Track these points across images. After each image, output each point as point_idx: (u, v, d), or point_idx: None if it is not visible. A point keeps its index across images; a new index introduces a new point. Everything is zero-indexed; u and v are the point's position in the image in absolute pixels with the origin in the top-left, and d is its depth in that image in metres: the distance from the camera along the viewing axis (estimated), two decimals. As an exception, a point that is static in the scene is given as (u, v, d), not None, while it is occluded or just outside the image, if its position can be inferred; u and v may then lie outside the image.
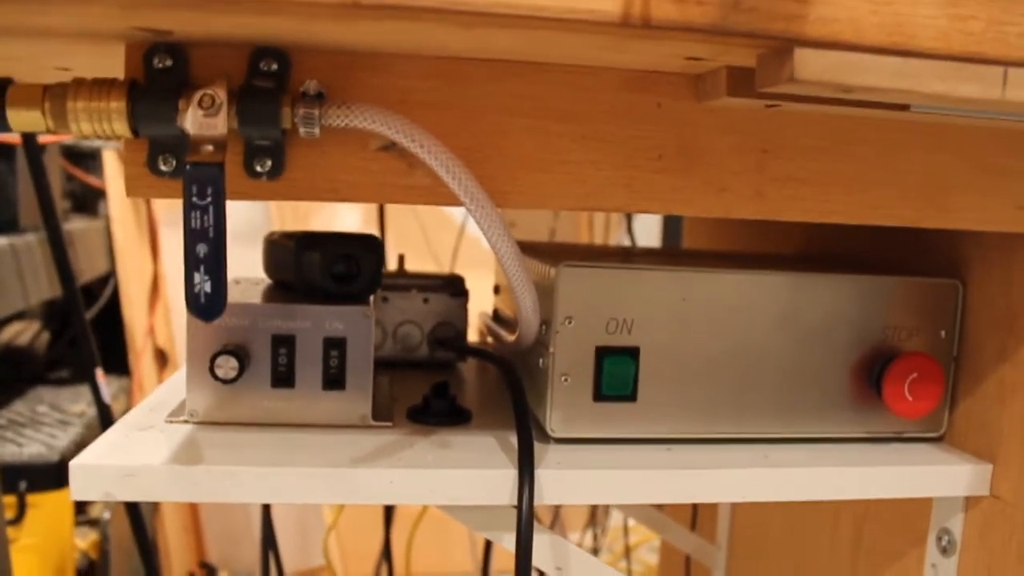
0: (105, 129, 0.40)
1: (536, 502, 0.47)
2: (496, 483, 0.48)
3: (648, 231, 1.60)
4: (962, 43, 0.38)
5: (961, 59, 0.38)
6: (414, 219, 1.83)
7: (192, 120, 0.39)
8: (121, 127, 0.39)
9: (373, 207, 1.55)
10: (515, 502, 0.47)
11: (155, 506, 1.69)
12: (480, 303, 0.83)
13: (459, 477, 0.48)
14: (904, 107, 0.44)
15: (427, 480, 0.48)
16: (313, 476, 0.47)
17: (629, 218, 1.35)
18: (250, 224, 1.67)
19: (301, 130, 0.40)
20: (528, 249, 0.63)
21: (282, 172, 0.43)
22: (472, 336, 0.79)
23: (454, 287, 0.72)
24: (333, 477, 0.47)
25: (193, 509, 1.88)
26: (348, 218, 1.90)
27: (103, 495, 0.46)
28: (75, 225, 1.60)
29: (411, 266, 0.79)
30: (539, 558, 0.50)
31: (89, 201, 1.82)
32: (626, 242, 1.32)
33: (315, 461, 0.48)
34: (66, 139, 1.50)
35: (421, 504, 0.48)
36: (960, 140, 0.49)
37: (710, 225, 0.96)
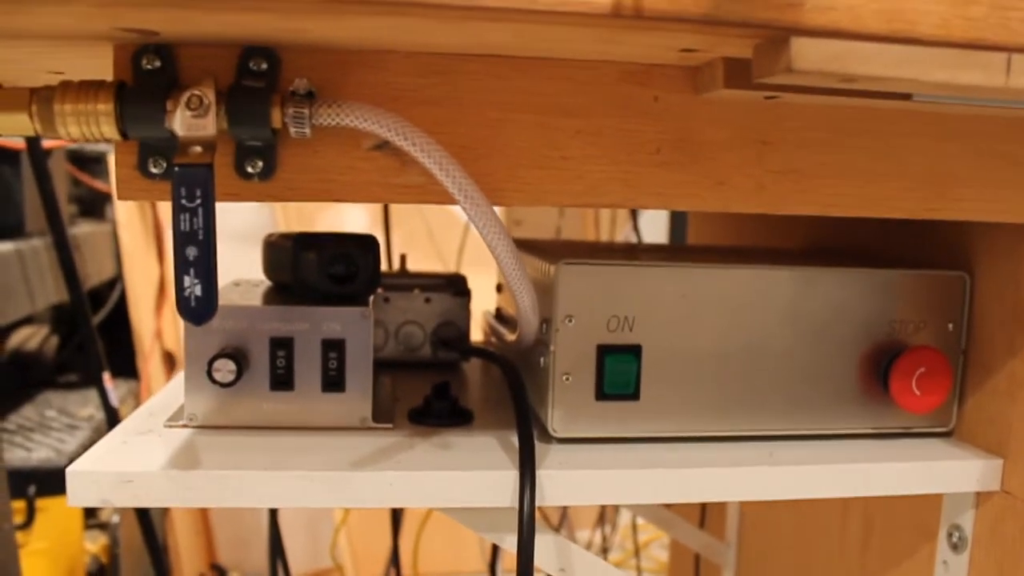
0: (93, 132, 0.39)
1: (537, 503, 0.47)
2: (497, 484, 0.48)
3: (655, 228, 1.59)
4: (964, 30, 0.37)
5: (963, 46, 0.37)
6: (420, 218, 1.82)
7: (180, 121, 0.38)
8: (109, 130, 0.39)
9: (379, 206, 1.55)
10: (516, 503, 0.47)
11: (165, 509, 1.69)
12: (485, 301, 0.82)
13: (459, 479, 0.48)
14: (906, 96, 0.43)
15: (427, 482, 0.47)
16: (311, 480, 0.46)
17: (635, 215, 1.34)
18: (255, 226, 1.67)
19: (291, 130, 0.40)
20: (529, 247, 0.63)
21: (274, 173, 0.42)
22: (477, 335, 0.79)
23: (456, 286, 0.72)
24: (332, 480, 0.46)
25: (203, 511, 1.88)
26: (355, 218, 1.90)
27: (100, 501, 0.45)
28: (82, 229, 1.60)
29: (417, 265, 0.79)
30: (542, 559, 0.49)
31: (96, 205, 1.83)
32: (633, 239, 1.31)
33: (314, 464, 0.47)
34: (71, 143, 1.50)
35: (421, 507, 0.47)
36: (966, 129, 0.48)
37: (715, 220, 0.95)
